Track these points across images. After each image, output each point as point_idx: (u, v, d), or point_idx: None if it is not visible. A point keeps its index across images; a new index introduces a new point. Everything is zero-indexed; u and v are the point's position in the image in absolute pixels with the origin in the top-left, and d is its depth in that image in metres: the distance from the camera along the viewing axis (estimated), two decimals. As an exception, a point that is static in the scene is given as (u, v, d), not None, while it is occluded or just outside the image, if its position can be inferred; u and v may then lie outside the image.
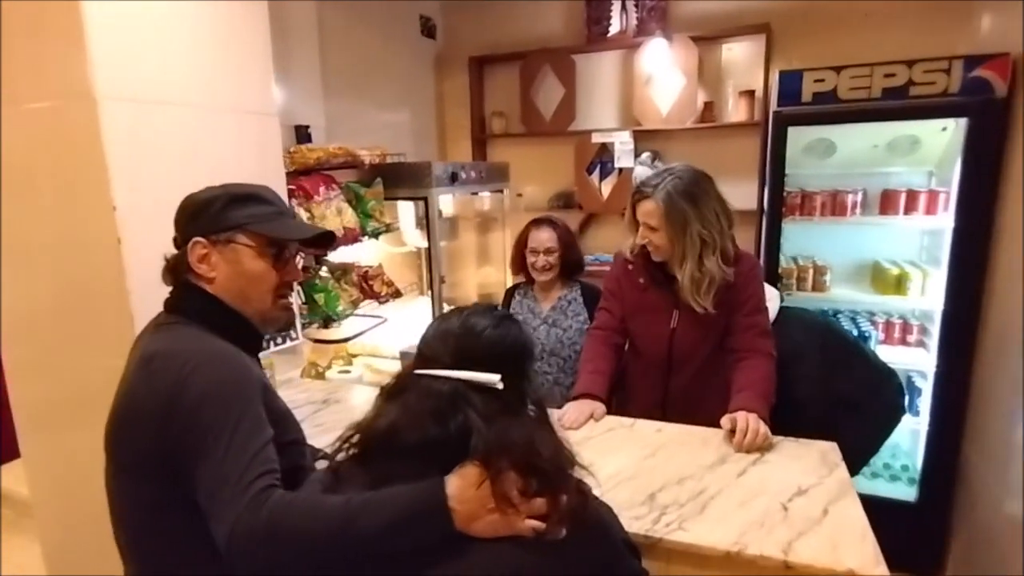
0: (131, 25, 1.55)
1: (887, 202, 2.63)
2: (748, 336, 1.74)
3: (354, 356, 2.68)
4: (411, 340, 1.46)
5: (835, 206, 2.66)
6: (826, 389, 1.84)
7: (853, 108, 2.48)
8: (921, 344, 2.74)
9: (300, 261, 1.23)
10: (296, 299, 2.18)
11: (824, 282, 2.75)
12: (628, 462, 1.44)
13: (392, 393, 0.89)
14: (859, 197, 2.65)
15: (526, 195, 3.69)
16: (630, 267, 1.86)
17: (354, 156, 2.39)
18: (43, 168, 1.58)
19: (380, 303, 2.57)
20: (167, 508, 0.93)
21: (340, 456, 0.89)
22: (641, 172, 3.21)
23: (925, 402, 2.64)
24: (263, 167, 1.95)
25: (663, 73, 3.25)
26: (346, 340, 2.48)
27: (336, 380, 2.33)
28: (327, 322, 2.34)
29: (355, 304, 2.43)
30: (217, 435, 0.86)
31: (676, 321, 1.79)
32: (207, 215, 1.07)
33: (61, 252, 1.61)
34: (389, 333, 2.59)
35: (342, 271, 2.45)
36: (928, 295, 2.58)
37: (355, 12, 2.94)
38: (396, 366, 2.39)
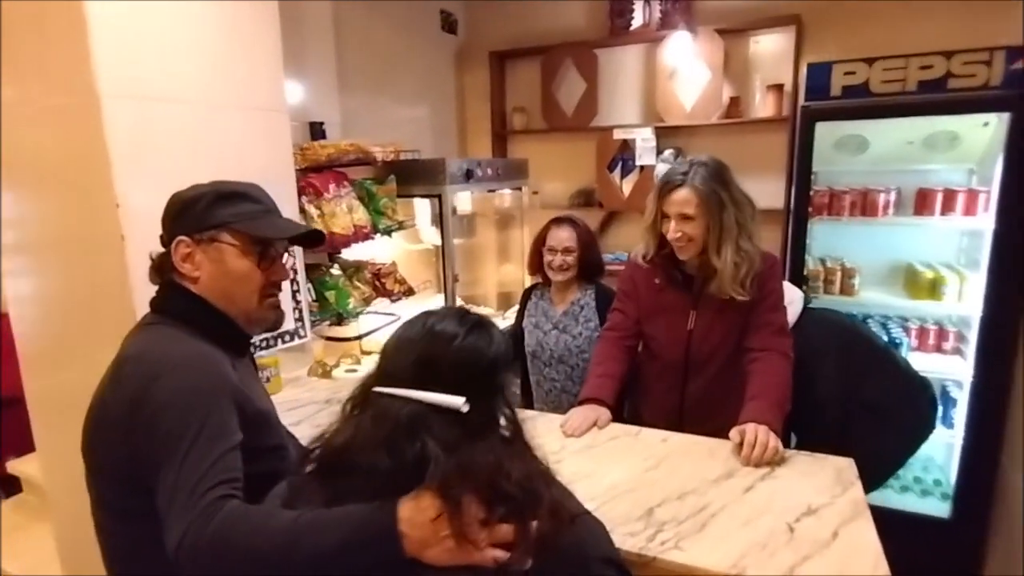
0: (135, 23, 1.55)
1: (922, 202, 2.51)
2: (764, 334, 1.66)
3: (368, 354, 2.67)
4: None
5: (866, 205, 2.55)
6: (847, 391, 1.75)
7: (886, 102, 2.37)
8: (957, 352, 2.61)
9: (290, 260, 1.20)
10: (306, 296, 2.17)
11: (853, 285, 2.63)
12: (629, 473, 1.38)
13: (355, 405, 0.84)
14: (892, 196, 2.53)
15: (547, 192, 3.63)
16: (645, 267, 1.80)
17: (366, 153, 2.36)
18: (48, 166, 1.59)
19: (392, 301, 2.55)
20: (137, 513, 0.91)
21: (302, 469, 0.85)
22: (663, 170, 3.13)
23: (960, 413, 2.52)
24: (271, 164, 1.93)
25: (687, 67, 3.15)
26: (358, 338, 2.47)
27: (342, 379, 2.32)
28: (340, 319, 2.33)
29: (367, 302, 2.41)
30: (176, 443, 0.84)
31: (693, 322, 1.73)
32: (192, 213, 1.05)
33: (66, 249, 1.63)
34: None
35: (355, 268, 2.44)
36: (966, 300, 2.45)
37: (374, 8, 2.93)
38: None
